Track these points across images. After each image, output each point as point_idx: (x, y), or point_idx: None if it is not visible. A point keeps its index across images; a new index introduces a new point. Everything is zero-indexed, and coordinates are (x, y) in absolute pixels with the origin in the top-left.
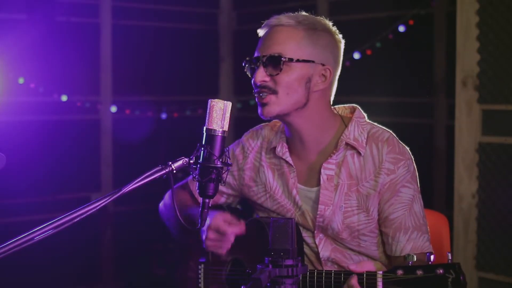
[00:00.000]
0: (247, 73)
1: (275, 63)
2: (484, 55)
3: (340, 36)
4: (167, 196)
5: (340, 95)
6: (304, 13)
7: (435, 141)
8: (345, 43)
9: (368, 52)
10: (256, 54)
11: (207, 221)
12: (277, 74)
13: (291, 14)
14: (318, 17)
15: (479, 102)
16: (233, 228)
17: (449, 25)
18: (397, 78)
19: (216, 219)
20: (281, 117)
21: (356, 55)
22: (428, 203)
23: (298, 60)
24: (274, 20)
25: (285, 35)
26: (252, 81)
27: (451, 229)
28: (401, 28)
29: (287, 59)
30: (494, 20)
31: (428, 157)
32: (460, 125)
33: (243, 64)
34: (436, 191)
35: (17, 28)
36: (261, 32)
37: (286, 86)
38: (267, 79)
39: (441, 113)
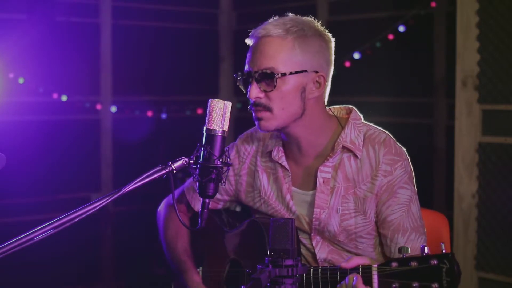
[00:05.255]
0: (240, 86)
1: (268, 79)
2: (484, 55)
3: (330, 35)
4: (162, 211)
5: (340, 95)
6: (291, 15)
7: (435, 141)
8: (345, 43)
9: (368, 52)
10: (247, 68)
11: None
12: (271, 90)
13: (279, 20)
14: (306, 18)
15: (479, 102)
16: None
17: (449, 25)
18: (397, 78)
19: None
20: (279, 130)
21: (356, 55)
22: (428, 203)
23: (291, 73)
24: (261, 30)
25: (275, 48)
26: (247, 96)
27: (451, 229)
28: (401, 28)
29: (280, 74)
30: (494, 20)
31: (428, 157)
32: (460, 125)
33: (235, 77)
34: (436, 191)
35: (17, 28)
36: (249, 41)
37: (281, 101)
38: (261, 95)
39: (441, 113)
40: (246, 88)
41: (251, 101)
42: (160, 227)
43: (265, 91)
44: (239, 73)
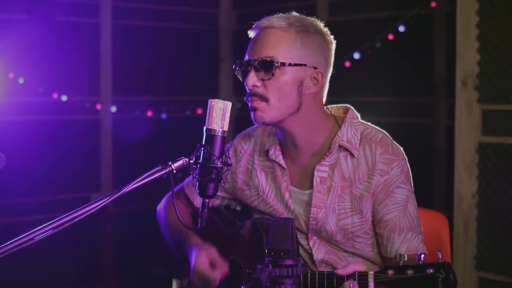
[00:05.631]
0: (238, 76)
1: (267, 67)
2: (484, 55)
3: (332, 37)
4: (163, 204)
5: (340, 95)
6: (295, 13)
7: (435, 141)
8: (345, 43)
9: (368, 52)
10: (247, 58)
11: (193, 258)
12: (269, 79)
13: (283, 15)
14: (310, 18)
15: (479, 102)
16: (217, 272)
17: (449, 25)
18: (397, 78)
19: (200, 263)
20: (274, 123)
21: (356, 55)
22: (428, 203)
23: (290, 64)
24: (265, 21)
25: (277, 38)
26: (245, 85)
27: (451, 229)
28: (401, 28)
29: (279, 63)
30: (494, 20)
31: (428, 157)
32: (460, 125)
33: (234, 67)
34: (436, 191)
35: (17, 28)
36: (251, 33)
37: (278, 92)
38: (259, 84)
39: (441, 113)
40: (244, 77)
41: (248, 90)
42: (161, 214)
43: (262, 80)
44: (238, 62)
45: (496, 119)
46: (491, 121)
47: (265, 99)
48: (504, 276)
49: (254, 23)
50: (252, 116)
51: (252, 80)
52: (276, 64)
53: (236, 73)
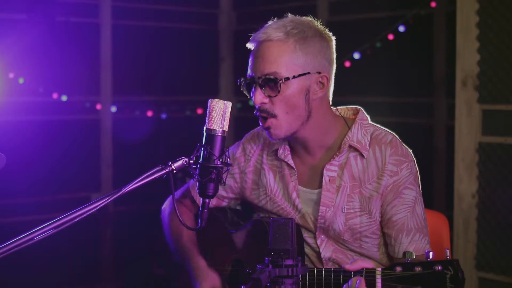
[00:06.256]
0: (244, 91)
1: (272, 84)
2: (484, 55)
3: (330, 33)
4: (168, 207)
5: (340, 95)
6: (290, 16)
7: (435, 141)
8: (345, 43)
9: (368, 52)
10: (250, 74)
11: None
12: (276, 95)
13: (278, 23)
14: (305, 18)
15: (479, 102)
16: None
17: (449, 25)
18: (397, 78)
19: None
20: (289, 136)
21: (356, 55)
22: (428, 203)
23: (294, 77)
24: (261, 35)
25: (276, 52)
26: (252, 102)
27: (451, 229)
28: (401, 28)
29: (283, 79)
30: (494, 20)
31: (428, 157)
32: (460, 125)
33: (238, 83)
34: (436, 191)
35: (17, 28)
36: (250, 46)
37: (285, 106)
38: (266, 100)
39: (441, 113)
40: (249, 92)
41: (256, 106)
42: (164, 221)
43: (269, 96)
44: (242, 79)
45: (496, 119)
46: (491, 121)
47: (273, 115)
48: (504, 276)
49: (250, 33)
50: (267, 134)
51: (259, 98)
52: (280, 81)
53: (241, 88)
